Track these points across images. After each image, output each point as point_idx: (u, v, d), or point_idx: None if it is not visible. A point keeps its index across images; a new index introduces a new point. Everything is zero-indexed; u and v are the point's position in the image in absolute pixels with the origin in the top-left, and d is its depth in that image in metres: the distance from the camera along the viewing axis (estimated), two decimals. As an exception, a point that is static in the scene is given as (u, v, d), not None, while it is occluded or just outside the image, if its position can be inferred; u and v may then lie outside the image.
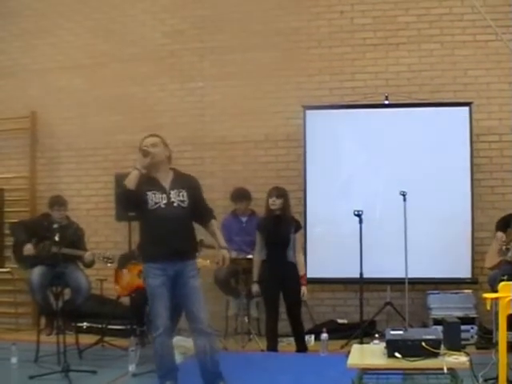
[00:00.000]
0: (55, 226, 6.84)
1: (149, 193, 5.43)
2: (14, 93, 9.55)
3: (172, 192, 5.47)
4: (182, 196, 5.48)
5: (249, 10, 8.83)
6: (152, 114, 9.09)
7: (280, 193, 7.15)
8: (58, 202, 7.48)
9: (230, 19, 8.93)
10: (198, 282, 5.53)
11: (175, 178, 5.58)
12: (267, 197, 7.17)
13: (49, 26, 9.54)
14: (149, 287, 5.48)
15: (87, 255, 7.20)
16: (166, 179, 5.54)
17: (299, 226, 7.33)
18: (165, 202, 5.43)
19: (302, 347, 7.24)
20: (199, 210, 5.61)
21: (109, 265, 7.28)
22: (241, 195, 8.36)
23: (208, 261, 7.61)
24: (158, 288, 5.41)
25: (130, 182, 5.41)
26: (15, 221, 8.23)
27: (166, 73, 9.18)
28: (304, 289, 7.08)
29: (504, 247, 7.00)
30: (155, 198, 5.43)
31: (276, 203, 7.08)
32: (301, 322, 7.27)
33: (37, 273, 7.13)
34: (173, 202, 5.44)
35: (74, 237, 7.31)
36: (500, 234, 7.11)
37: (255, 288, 7.20)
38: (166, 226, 5.39)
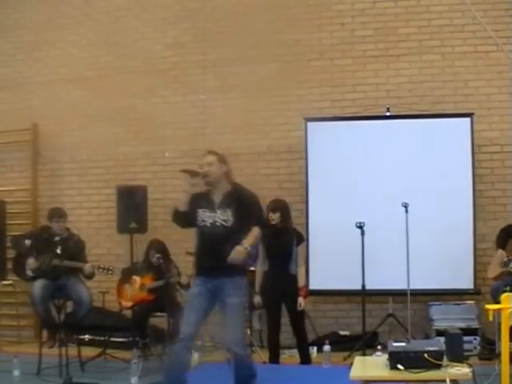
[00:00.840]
0: (57, 238, 6.87)
1: (199, 210, 5.63)
2: (17, 105, 9.61)
3: (218, 211, 5.59)
4: (227, 215, 5.56)
5: (251, 23, 8.85)
6: (154, 126, 9.12)
7: (276, 206, 7.12)
8: (56, 213, 7.48)
9: (231, 31, 8.96)
10: (237, 301, 5.48)
11: (227, 195, 5.65)
12: (267, 210, 7.16)
13: (51, 38, 9.61)
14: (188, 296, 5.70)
15: (87, 267, 7.18)
16: (219, 197, 5.66)
17: (301, 238, 7.33)
18: (210, 221, 5.59)
19: (305, 359, 7.22)
20: (246, 224, 5.60)
21: (109, 276, 7.27)
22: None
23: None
24: (193, 296, 5.60)
25: (180, 205, 5.64)
26: (17, 233, 8.24)
27: (168, 85, 9.22)
28: (301, 300, 7.04)
29: (506, 258, 7.01)
30: (203, 216, 5.62)
31: (273, 218, 7.06)
32: (305, 334, 7.25)
33: (38, 285, 7.12)
34: (216, 221, 5.57)
35: (74, 249, 7.30)
36: (500, 252, 7.14)
37: (257, 300, 7.19)
38: (207, 244, 5.60)
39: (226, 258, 5.41)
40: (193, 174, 5.62)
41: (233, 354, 5.47)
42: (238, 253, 5.41)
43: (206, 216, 5.60)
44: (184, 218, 5.70)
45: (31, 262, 7.14)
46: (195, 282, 5.70)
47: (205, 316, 5.58)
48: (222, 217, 5.56)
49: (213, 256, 5.49)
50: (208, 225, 5.58)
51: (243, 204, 5.59)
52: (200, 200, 5.66)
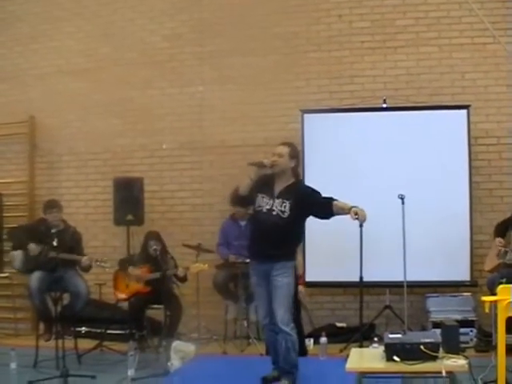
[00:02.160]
0: (53, 230, 6.87)
1: (259, 195, 5.82)
2: (14, 97, 9.57)
3: (277, 200, 5.73)
4: (284, 207, 5.71)
5: (248, 14, 8.84)
6: (151, 118, 9.12)
7: None
8: (51, 205, 7.46)
9: (229, 23, 8.94)
10: (285, 281, 5.68)
11: (288, 188, 5.79)
12: None
13: (48, 30, 9.58)
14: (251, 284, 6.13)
15: (84, 260, 7.17)
16: (280, 187, 5.80)
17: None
18: (267, 207, 5.76)
19: (302, 351, 7.20)
20: (318, 211, 5.81)
21: (107, 270, 7.27)
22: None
23: (206, 265, 7.62)
24: (254, 286, 6.00)
25: (243, 190, 5.81)
26: (14, 226, 8.23)
27: (165, 77, 9.19)
28: (301, 288, 7.07)
29: (503, 249, 7.00)
30: (261, 202, 5.80)
31: None
32: (301, 326, 7.25)
33: (35, 278, 7.11)
34: (273, 210, 5.70)
35: (71, 241, 7.28)
36: (498, 239, 7.13)
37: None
38: (261, 230, 5.80)
39: (279, 247, 5.63)
40: (260, 165, 5.73)
41: (281, 333, 5.65)
42: (361, 213, 5.68)
43: (263, 202, 5.77)
44: (243, 201, 6.09)
45: (34, 248, 7.11)
46: (251, 268, 5.98)
47: (270, 299, 5.74)
48: (280, 207, 5.70)
49: (264, 242, 5.70)
50: (264, 210, 5.75)
51: (304, 198, 5.73)
52: (262, 184, 5.82)
